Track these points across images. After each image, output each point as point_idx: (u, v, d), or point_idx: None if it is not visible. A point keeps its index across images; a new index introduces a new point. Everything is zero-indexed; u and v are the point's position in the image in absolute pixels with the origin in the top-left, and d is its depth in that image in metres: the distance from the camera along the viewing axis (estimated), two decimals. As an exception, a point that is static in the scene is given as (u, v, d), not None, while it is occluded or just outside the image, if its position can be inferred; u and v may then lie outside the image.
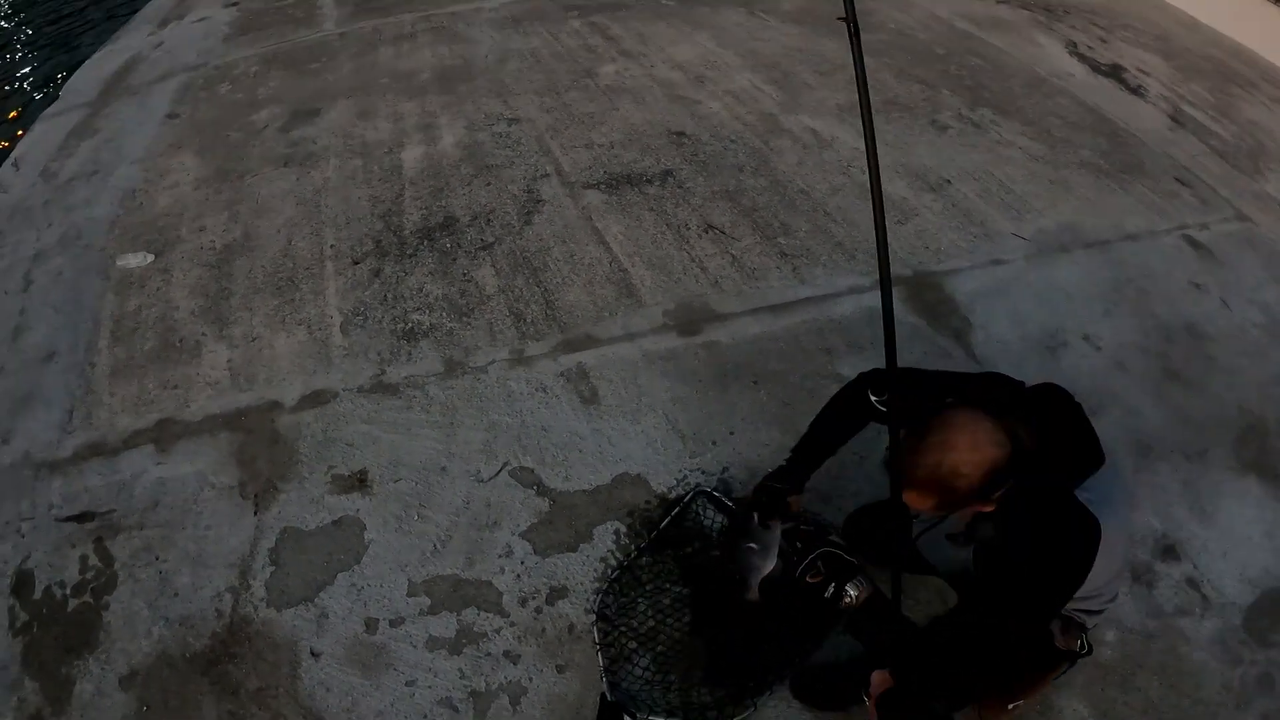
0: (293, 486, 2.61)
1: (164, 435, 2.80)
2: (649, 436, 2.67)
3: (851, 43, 1.29)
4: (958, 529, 1.75)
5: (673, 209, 3.60)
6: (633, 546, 2.41)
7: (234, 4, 6.54)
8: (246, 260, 3.56)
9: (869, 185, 1.41)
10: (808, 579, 2.00)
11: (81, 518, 2.58)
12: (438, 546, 2.46)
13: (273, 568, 2.42)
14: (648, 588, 2.33)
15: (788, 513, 2.00)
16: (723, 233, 3.46)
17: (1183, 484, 2.56)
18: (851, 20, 1.30)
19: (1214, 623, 2.25)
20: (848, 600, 1.95)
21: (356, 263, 3.43)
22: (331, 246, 3.54)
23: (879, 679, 1.78)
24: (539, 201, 3.68)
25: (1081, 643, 1.80)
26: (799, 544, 2.04)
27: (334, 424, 2.80)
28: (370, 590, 2.36)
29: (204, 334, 3.22)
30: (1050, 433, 1.54)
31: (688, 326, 3.05)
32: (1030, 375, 2.85)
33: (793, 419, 2.70)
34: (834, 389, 2.79)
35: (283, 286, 3.40)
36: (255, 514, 2.55)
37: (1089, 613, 1.76)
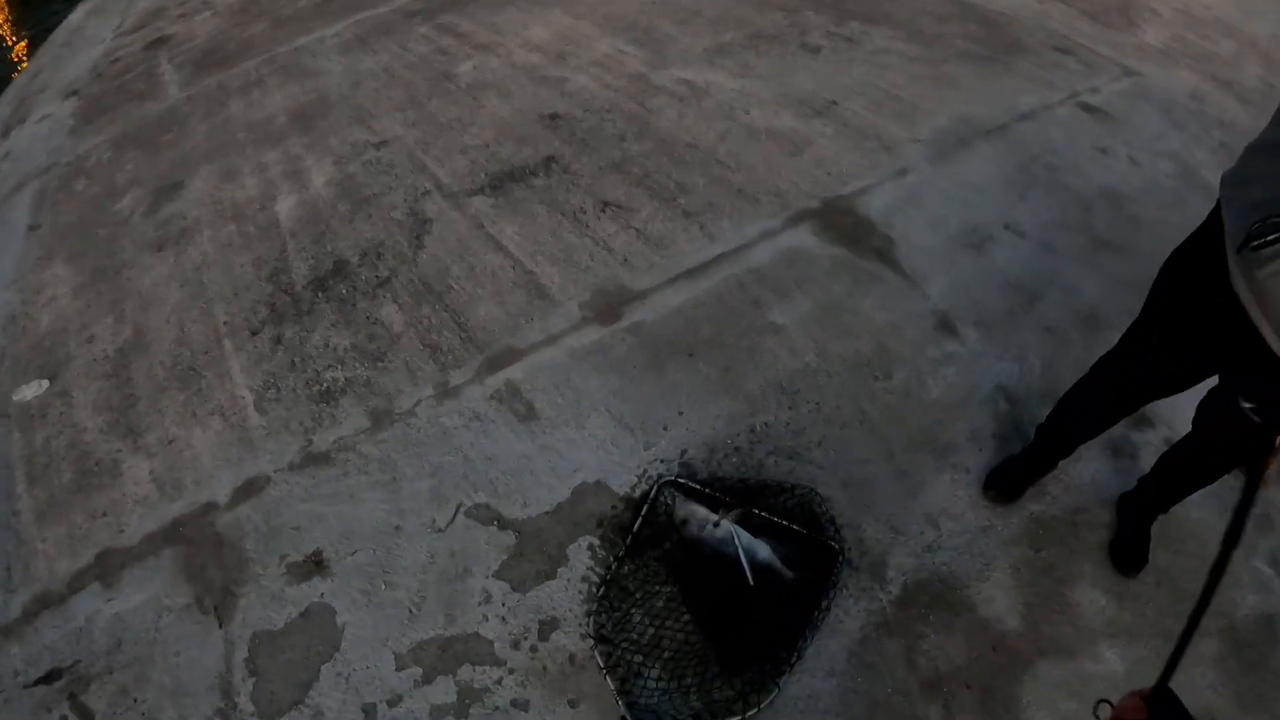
0: (250, 588, 2.33)
1: (106, 568, 2.48)
2: (597, 439, 2.43)
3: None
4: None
5: (563, 196, 3.30)
6: (611, 557, 2.19)
7: (74, 93, 5.87)
8: (143, 360, 3.15)
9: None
10: None
11: (49, 677, 2.30)
12: (413, 611, 2.21)
13: (254, 678, 2.15)
14: (638, 596, 2.11)
15: None
16: (620, 207, 3.18)
17: None
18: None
19: (1203, 479, 2.11)
20: None
21: (255, 333, 3.06)
22: (225, 323, 3.15)
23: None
24: (425, 221, 3.33)
25: None
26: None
27: (274, 511, 2.51)
28: (358, 675, 2.11)
29: (119, 450, 2.85)
30: None
31: (608, 314, 2.78)
32: (962, 275, 2.74)
33: (738, 382, 2.49)
34: (772, 341, 2.61)
35: (186, 378, 3.01)
36: (220, 627, 2.26)
37: None
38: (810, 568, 2.04)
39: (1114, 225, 2.84)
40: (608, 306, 2.81)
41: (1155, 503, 1.93)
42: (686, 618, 2.04)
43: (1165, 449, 2.16)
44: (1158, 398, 1.71)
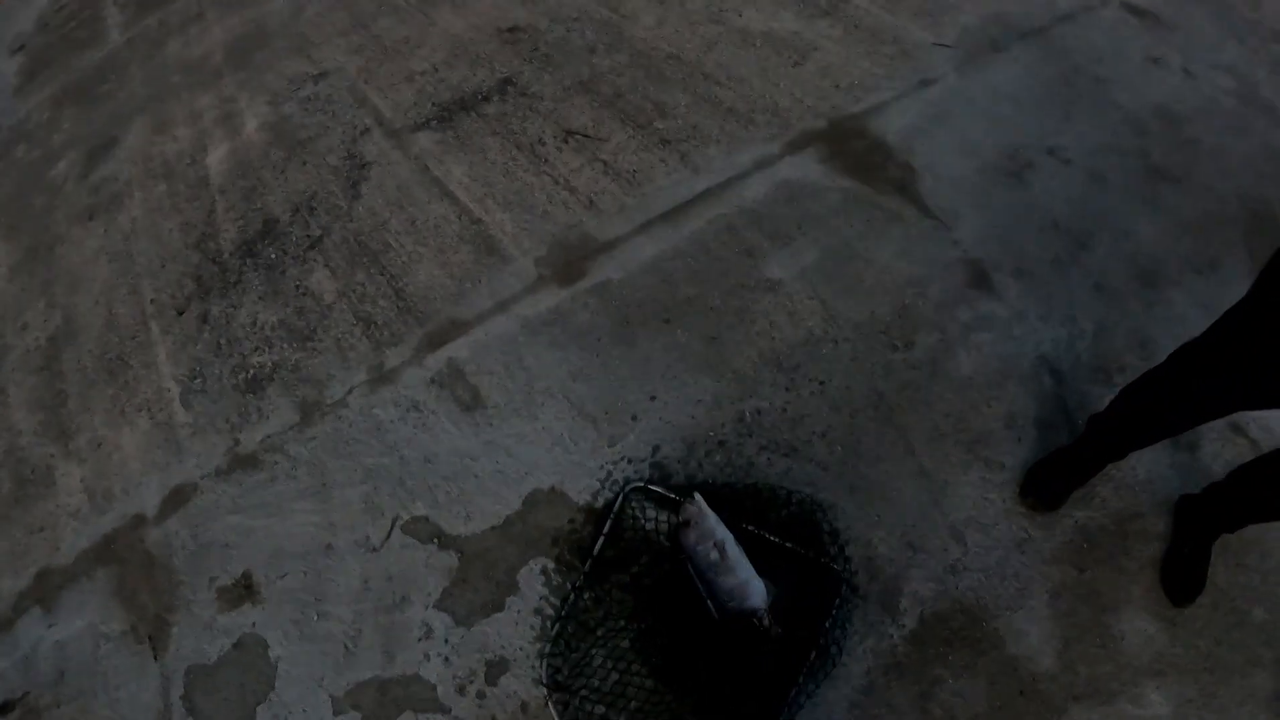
0: (181, 615, 2.10)
1: (46, 590, 2.30)
2: (552, 433, 2.01)
3: None
4: None
5: (520, 124, 2.76)
6: (568, 585, 1.81)
7: (21, 49, 5.38)
8: (73, 350, 2.83)
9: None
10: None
11: (4, 709, 2.24)
12: (349, 647, 1.92)
13: (191, 718, 1.95)
14: (599, 633, 1.75)
15: None
16: (586, 136, 2.64)
17: (1203, 309, 1.96)
18: None
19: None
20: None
21: (181, 312, 2.68)
22: (152, 301, 2.78)
23: None
24: (364, 166, 2.84)
25: None
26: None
27: (202, 525, 2.22)
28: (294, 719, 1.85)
29: (52, 455, 2.58)
30: None
31: (568, 271, 2.31)
32: (998, 213, 2.18)
33: (724, 356, 2.03)
34: (767, 302, 2.11)
35: (114, 369, 2.68)
36: (156, 659, 2.06)
37: None
38: (808, 597, 1.62)
39: (1171, 151, 2.27)
40: (568, 262, 2.32)
41: (1222, 522, 1.55)
42: (657, 661, 1.65)
43: (1233, 434, 1.76)
44: (1258, 408, 1.25)
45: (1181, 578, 1.59)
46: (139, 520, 2.28)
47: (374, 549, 1.98)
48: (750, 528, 1.69)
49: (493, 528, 1.91)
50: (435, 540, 1.94)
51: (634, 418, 1.97)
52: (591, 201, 2.45)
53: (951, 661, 1.58)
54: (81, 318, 2.91)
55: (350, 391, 2.26)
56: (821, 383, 1.92)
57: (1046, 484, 1.68)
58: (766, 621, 1.56)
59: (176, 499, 2.28)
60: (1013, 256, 2.07)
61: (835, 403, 1.88)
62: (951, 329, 1.96)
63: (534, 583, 1.82)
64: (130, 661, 2.06)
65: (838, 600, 1.62)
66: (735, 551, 1.61)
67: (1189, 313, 1.92)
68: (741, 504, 1.75)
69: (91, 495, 2.40)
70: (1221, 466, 1.70)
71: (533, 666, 1.73)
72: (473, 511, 1.94)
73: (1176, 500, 1.66)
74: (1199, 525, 1.59)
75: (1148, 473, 1.71)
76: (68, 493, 2.45)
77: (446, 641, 1.82)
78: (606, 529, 1.79)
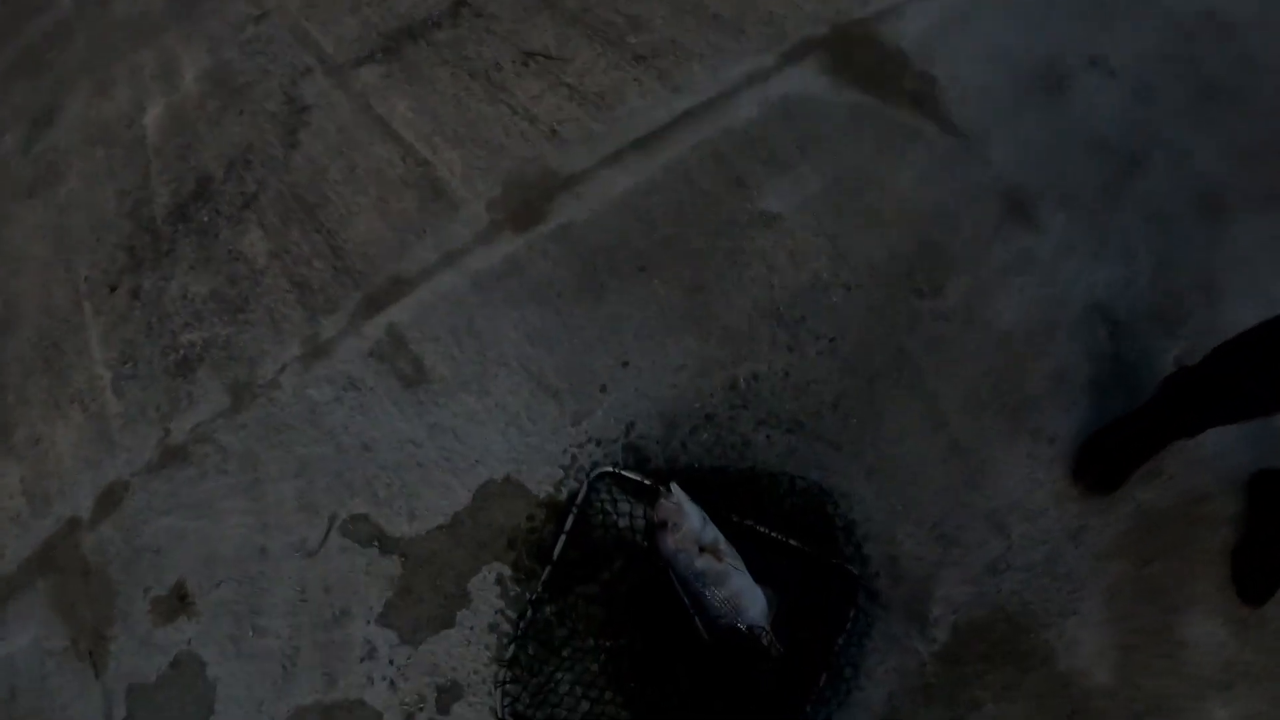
0: (119, 629, 1.94)
1: None
2: (507, 410, 1.72)
3: None
4: None
5: (474, 49, 2.40)
6: (527, 595, 1.51)
7: (-27, 23, 5.11)
8: (13, 340, 2.64)
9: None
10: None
11: None
12: (287, 666, 1.71)
13: None
14: (565, 653, 1.47)
15: None
16: (548, 57, 2.27)
17: (1268, 247, 1.64)
18: None
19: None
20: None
21: (113, 289, 2.43)
22: (86, 279, 2.54)
23: None
24: (303, 110, 2.51)
25: None
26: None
27: (134, 529, 2.02)
28: (235, 747, 1.67)
29: None
30: None
31: (525, 214, 1.98)
32: (1035, 131, 1.76)
33: (712, 309, 1.71)
34: (764, 240, 1.77)
35: (50, 357, 2.48)
36: (97, 677, 1.93)
37: None
38: (817, 606, 1.31)
39: (1224, 62, 1.91)
40: (526, 202, 1.99)
41: None
42: (634, 687, 1.36)
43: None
44: None
45: (1255, 572, 1.37)
46: (74, 524, 2.08)
47: (310, 553, 1.73)
48: (746, 522, 1.39)
49: (440, 527, 1.64)
50: (376, 543, 1.67)
51: (603, 389, 1.67)
52: (554, 130, 2.09)
53: (991, 681, 1.34)
54: (21, 303, 2.68)
55: (283, 370, 1.97)
56: (831, 340, 1.61)
57: (1104, 462, 1.40)
58: (767, 639, 1.26)
59: (108, 500, 2.07)
60: (1056, 181, 1.73)
61: (848, 364, 1.58)
62: (987, 271, 1.64)
63: (488, 594, 1.55)
64: (74, 679, 1.92)
65: (853, 610, 1.35)
66: (728, 554, 1.30)
67: (1256, 253, 1.61)
68: (735, 493, 1.46)
69: (30, 498, 2.21)
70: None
71: (489, 692, 1.47)
72: (417, 508, 1.67)
73: (1250, 476, 1.39)
74: (1277, 510, 1.34)
75: (1217, 445, 1.41)
76: (9, 495, 2.25)
77: (391, 662, 1.58)
78: (568, 526, 1.48)
